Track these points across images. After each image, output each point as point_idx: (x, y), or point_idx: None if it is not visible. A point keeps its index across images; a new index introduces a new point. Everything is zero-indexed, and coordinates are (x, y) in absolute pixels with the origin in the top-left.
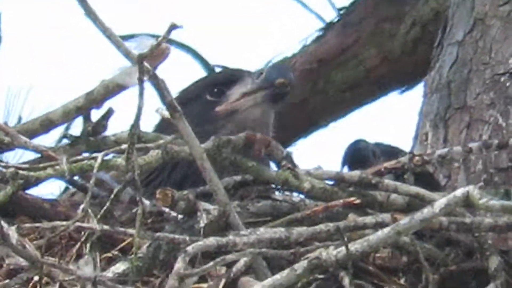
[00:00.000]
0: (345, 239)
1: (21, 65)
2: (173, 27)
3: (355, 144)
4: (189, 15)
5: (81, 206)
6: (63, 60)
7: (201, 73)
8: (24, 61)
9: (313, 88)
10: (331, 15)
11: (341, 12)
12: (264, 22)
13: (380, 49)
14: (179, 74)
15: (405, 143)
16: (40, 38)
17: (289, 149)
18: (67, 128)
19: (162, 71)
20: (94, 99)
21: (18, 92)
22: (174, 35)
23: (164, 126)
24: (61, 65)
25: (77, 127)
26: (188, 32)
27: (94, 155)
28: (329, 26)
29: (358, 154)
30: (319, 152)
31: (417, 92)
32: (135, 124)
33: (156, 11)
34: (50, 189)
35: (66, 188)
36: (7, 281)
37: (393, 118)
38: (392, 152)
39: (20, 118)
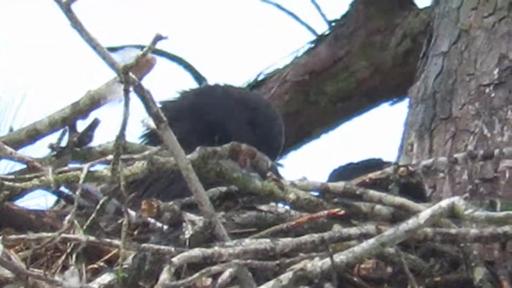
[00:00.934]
0: (330, 250)
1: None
2: (158, 38)
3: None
4: (180, 26)
5: (67, 217)
6: (49, 71)
7: (192, 84)
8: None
9: (305, 99)
10: (322, 28)
11: (333, 24)
12: (255, 33)
13: (371, 61)
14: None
15: (395, 154)
16: (25, 49)
17: (280, 161)
18: (60, 140)
19: (149, 81)
20: (80, 109)
21: (9, 102)
22: (165, 46)
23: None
24: (47, 75)
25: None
26: (180, 44)
27: (80, 166)
28: (320, 38)
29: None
30: (310, 163)
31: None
32: (121, 135)
33: (145, 22)
34: (36, 201)
35: (58, 200)
36: None
37: (383, 130)
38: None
39: (11, 129)
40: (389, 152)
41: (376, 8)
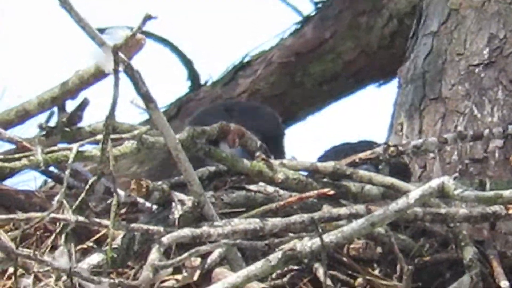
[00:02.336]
0: (320, 230)
1: None
2: (147, 18)
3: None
4: (165, 8)
5: (56, 197)
6: (37, 51)
7: (178, 66)
8: None
9: (291, 81)
10: (308, 9)
11: (318, 5)
12: (241, 15)
13: (358, 43)
14: (157, 66)
15: (382, 136)
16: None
17: None
18: (47, 120)
19: (137, 62)
20: (69, 89)
21: None
22: (151, 28)
23: None
24: (35, 56)
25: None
26: (165, 25)
27: (69, 146)
28: (306, 20)
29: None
30: (296, 145)
31: (394, 85)
32: (110, 115)
33: (130, 3)
34: (26, 181)
35: (46, 181)
36: None
37: (370, 111)
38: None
39: None
40: (376, 133)
41: None
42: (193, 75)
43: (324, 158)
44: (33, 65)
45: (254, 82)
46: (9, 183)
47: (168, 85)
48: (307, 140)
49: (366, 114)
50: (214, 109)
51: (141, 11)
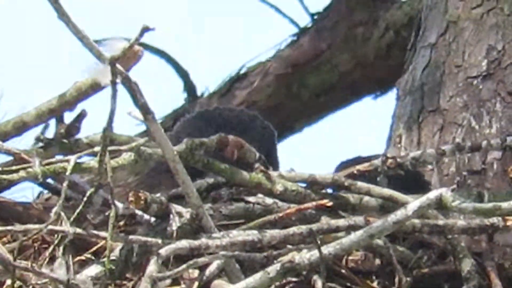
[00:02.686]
0: (318, 242)
1: None
2: (145, 29)
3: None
4: (162, 20)
5: (54, 209)
6: (35, 62)
7: (174, 77)
8: None
9: (287, 92)
10: (305, 20)
11: (315, 17)
12: (238, 26)
13: (354, 54)
14: (152, 78)
15: (378, 148)
16: (12, 40)
17: None
18: (43, 131)
19: (134, 73)
20: (67, 101)
21: None
22: (147, 39)
23: None
24: (33, 67)
25: (50, 130)
26: (162, 37)
27: (67, 157)
28: (303, 31)
29: None
30: (293, 157)
31: (391, 97)
32: (108, 127)
33: (130, 16)
34: (23, 193)
35: (40, 193)
36: None
37: (366, 123)
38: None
39: None
40: (371, 145)
41: (358, 0)
42: (189, 87)
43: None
44: (30, 75)
45: (251, 94)
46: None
47: (164, 97)
48: (304, 152)
49: (362, 125)
50: (204, 121)
51: (138, 23)
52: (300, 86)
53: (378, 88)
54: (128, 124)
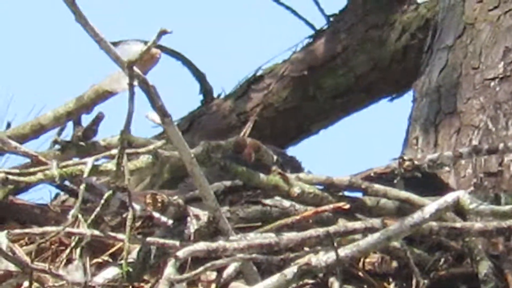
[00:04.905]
0: (335, 244)
1: (9, 70)
2: (163, 32)
3: None
4: (178, 22)
5: (71, 211)
6: (52, 65)
7: (191, 80)
8: (11, 66)
9: (303, 95)
10: (321, 22)
11: (331, 19)
12: (253, 28)
13: (370, 56)
14: (169, 80)
15: (394, 150)
16: (30, 42)
17: None
18: (59, 133)
19: (151, 76)
20: (85, 103)
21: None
22: (163, 41)
23: None
24: (50, 69)
25: (67, 132)
26: (179, 39)
27: (84, 160)
28: (318, 33)
29: None
30: (309, 159)
31: (407, 99)
32: (125, 129)
33: (147, 18)
34: (40, 194)
35: (57, 195)
36: None
37: (383, 126)
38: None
39: (9, 124)
40: (388, 147)
41: (375, 2)
42: (206, 89)
43: None
44: (48, 77)
45: (267, 96)
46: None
47: (180, 99)
48: (320, 154)
49: (378, 128)
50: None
51: (153, 25)
52: (316, 89)
53: (395, 91)
54: (145, 126)
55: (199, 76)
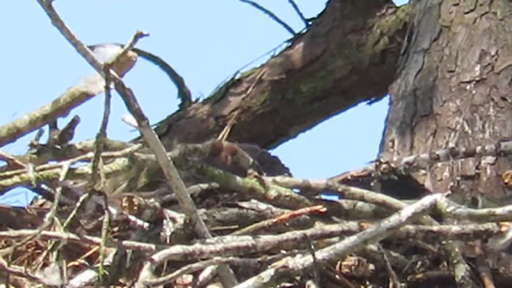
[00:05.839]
0: (312, 247)
1: None
2: (139, 35)
3: None
4: (155, 25)
5: (48, 215)
6: (28, 68)
7: (169, 84)
8: None
9: (282, 99)
10: (299, 26)
11: (310, 23)
12: (232, 32)
13: (348, 60)
14: (148, 84)
15: (371, 153)
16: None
17: None
18: (37, 137)
19: (128, 79)
20: (61, 107)
21: None
22: (141, 45)
23: None
24: (26, 73)
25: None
26: (156, 43)
27: (61, 163)
28: (297, 37)
29: None
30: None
31: (385, 102)
32: (101, 132)
33: (124, 21)
34: (17, 198)
35: (34, 198)
36: None
37: (361, 129)
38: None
39: None
40: (366, 150)
41: (353, 6)
42: (184, 93)
43: None
44: (24, 80)
45: (245, 100)
46: None
47: (158, 103)
48: (298, 157)
49: (356, 131)
50: None
51: (132, 28)
52: (295, 92)
53: (373, 94)
54: (123, 130)
55: (177, 80)
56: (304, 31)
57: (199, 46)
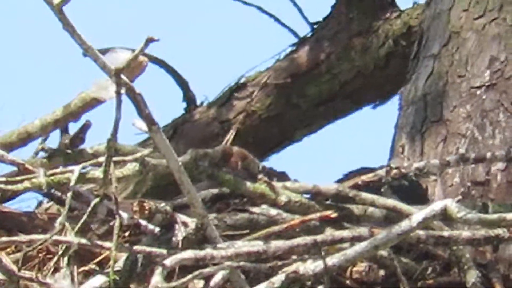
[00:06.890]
0: (323, 253)
1: None
2: (150, 40)
3: None
4: (161, 29)
5: (59, 219)
6: (40, 73)
7: (174, 87)
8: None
9: (287, 102)
10: (304, 30)
11: (315, 26)
12: (237, 36)
13: (353, 64)
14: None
15: (378, 157)
16: (17, 50)
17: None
18: (42, 141)
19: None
20: (72, 111)
21: None
22: (147, 49)
23: None
24: (38, 78)
25: (54, 140)
26: (161, 46)
27: (71, 168)
28: (302, 41)
29: None
30: (293, 167)
31: (390, 106)
32: (112, 137)
33: (132, 27)
34: (28, 203)
35: (40, 202)
36: None
37: (366, 133)
38: None
39: None
40: (371, 155)
41: (358, 10)
42: (189, 97)
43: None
44: (34, 85)
45: (250, 104)
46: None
47: (163, 106)
48: (303, 162)
49: (362, 135)
50: None
51: (140, 34)
52: (300, 96)
53: (378, 98)
54: (129, 133)
55: (182, 84)
56: (309, 35)
57: (204, 49)
